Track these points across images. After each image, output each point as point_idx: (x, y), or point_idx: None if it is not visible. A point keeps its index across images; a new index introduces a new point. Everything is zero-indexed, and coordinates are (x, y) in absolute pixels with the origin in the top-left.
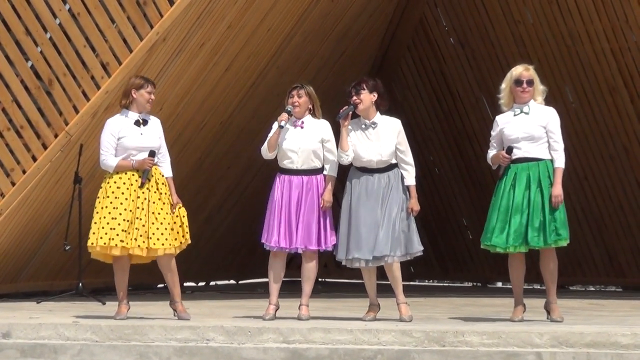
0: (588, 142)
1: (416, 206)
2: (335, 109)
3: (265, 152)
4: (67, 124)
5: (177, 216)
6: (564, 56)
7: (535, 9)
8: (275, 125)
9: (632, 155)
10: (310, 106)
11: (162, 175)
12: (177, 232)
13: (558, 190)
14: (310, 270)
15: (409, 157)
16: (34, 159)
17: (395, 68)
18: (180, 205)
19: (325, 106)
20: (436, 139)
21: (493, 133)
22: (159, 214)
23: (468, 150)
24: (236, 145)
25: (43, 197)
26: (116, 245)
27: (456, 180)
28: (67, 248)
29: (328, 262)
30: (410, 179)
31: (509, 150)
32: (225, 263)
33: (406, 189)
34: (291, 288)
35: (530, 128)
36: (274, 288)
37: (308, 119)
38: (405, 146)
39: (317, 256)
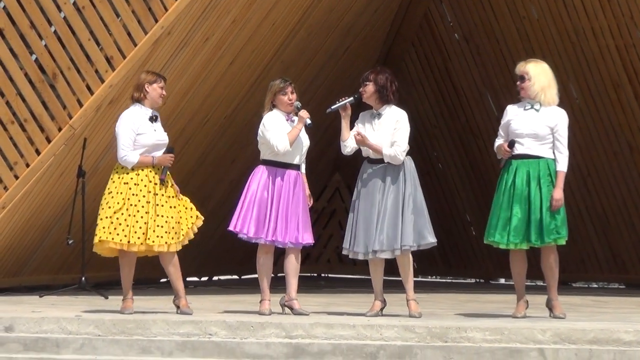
0: (592, 139)
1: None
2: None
3: (286, 147)
4: (71, 118)
5: (180, 203)
6: (568, 52)
7: (540, 5)
8: (276, 118)
9: (636, 151)
10: None
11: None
12: (190, 217)
13: (559, 194)
14: (297, 263)
15: None
16: (38, 152)
17: (400, 64)
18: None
19: (329, 101)
20: (440, 135)
21: (502, 122)
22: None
23: (472, 146)
24: (240, 139)
25: (46, 190)
26: (135, 242)
27: (460, 176)
28: (70, 242)
29: (331, 257)
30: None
31: (511, 144)
32: (228, 258)
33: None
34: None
35: (536, 126)
36: (266, 283)
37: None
38: None
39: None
